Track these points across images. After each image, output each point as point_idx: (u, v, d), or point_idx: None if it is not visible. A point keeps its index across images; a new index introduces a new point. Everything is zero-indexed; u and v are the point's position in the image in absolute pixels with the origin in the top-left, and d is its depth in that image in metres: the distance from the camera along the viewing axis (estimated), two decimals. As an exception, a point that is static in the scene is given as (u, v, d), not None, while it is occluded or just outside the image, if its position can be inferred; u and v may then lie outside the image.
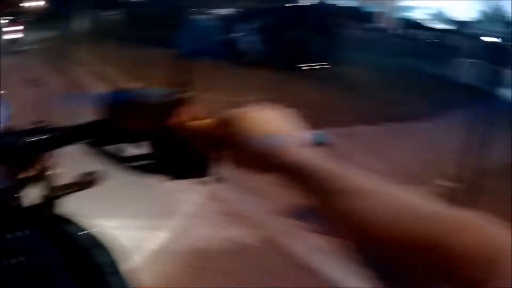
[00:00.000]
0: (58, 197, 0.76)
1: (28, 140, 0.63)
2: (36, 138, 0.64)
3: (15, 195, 0.67)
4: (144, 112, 0.55)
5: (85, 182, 0.76)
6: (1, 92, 0.67)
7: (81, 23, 9.81)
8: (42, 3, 13.78)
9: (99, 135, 0.60)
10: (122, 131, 0.57)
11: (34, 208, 0.74)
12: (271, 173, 0.50)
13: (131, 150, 0.59)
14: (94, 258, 0.68)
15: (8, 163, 0.64)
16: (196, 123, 0.55)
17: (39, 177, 0.69)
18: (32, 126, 0.67)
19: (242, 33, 8.48)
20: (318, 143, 0.51)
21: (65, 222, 0.73)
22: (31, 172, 0.67)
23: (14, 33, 10.75)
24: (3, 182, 0.65)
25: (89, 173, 0.77)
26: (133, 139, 0.57)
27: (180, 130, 0.54)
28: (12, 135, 0.65)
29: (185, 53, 0.57)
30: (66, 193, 0.76)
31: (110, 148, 0.61)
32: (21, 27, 11.02)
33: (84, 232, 0.72)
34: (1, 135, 0.65)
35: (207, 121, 0.55)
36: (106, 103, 0.56)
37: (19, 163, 0.65)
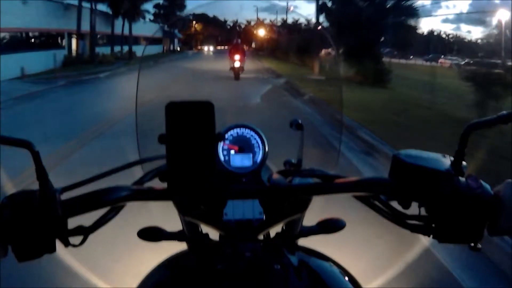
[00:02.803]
0: (302, 236, 0.82)
1: (303, 183, 0.69)
2: (311, 182, 0.69)
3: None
4: (427, 177, 0.57)
5: (329, 228, 0.80)
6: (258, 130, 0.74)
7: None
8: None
9: (379, 191, 0.63)
10: (403, 191, 0.59)
11: (279, 240, 0.81)
12: None
13: (404, 208, 0.61)
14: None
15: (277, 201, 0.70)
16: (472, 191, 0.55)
17: (291, 215, 0.75)
18: (302, 169, 0.73)
19: None
20: None
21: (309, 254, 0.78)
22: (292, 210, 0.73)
23: (239, 62, 12.81)
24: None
25: (334, 220, 0.81)
26: (411, 199, 0.59)
27: (458, 197, 0.55)
28: (284, 174, 0.72)
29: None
30: (309, 234, 0.81)
31: (385, 203, 0.64)
32: (244, 58, 13.05)
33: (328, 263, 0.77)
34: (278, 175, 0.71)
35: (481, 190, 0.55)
36: (397, 162, 0.59)
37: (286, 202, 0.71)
